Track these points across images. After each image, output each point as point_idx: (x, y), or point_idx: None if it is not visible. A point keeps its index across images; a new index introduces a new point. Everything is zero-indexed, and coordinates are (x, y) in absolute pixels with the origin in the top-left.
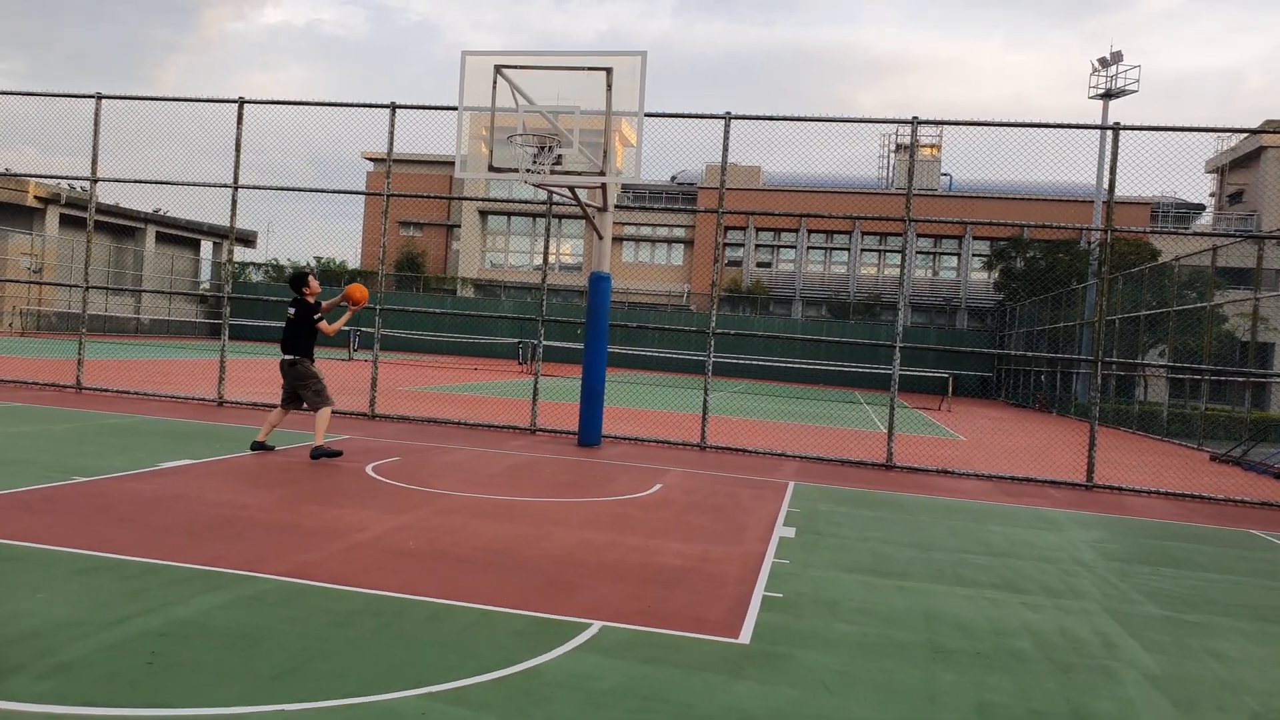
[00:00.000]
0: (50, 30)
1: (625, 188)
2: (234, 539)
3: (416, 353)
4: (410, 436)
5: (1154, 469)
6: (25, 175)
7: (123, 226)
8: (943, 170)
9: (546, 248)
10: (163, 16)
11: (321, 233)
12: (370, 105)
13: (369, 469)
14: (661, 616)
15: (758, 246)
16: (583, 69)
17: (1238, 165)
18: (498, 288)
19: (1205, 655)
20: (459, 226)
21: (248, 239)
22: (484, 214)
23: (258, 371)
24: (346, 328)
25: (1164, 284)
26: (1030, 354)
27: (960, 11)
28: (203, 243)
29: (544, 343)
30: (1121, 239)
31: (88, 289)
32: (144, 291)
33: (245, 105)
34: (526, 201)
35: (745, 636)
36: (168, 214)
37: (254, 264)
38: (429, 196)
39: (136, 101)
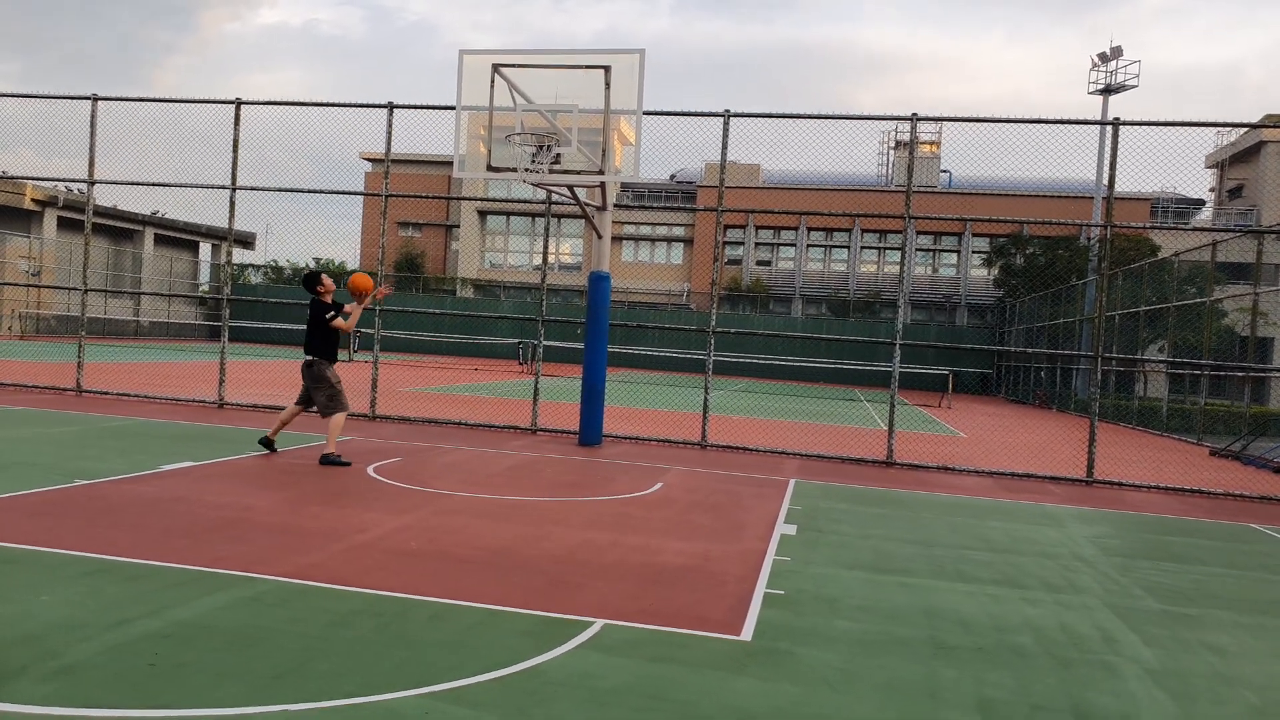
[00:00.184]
0: (47, 32)
1: (624, 187)
2: (235, 540)
3: (416, 353)
4: (411, 437)
5: (1154, 464)
6: (22, 178)
7: (121, 229)
8: (942, 167)
9: (546, 247)
10: (160, 18)
11: (320, 233)
12: (368, 105)
13: (370, 470)
14: (663, 615)
15: (757, 245)
16: (581, 67)
17: (1237, 160)
18: (497, 288)
19: (1204, 649)
20: (458, 226)
21: (246, 240)
22: (483, 214)
23: (258, 373)
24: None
25: (1164, 279)
26: (1030, 350)
27: (960, 8)
28: (201, 244)
29: (544, 342)
30: (1121, 234)
31: (86, 291)
32: (143, 294)
33: (242, 106)
34: (525, 201)
35: (747, 634)
36: (166, 216)
37: (253, 266)
38: (428, 196)
39: (133, 103)
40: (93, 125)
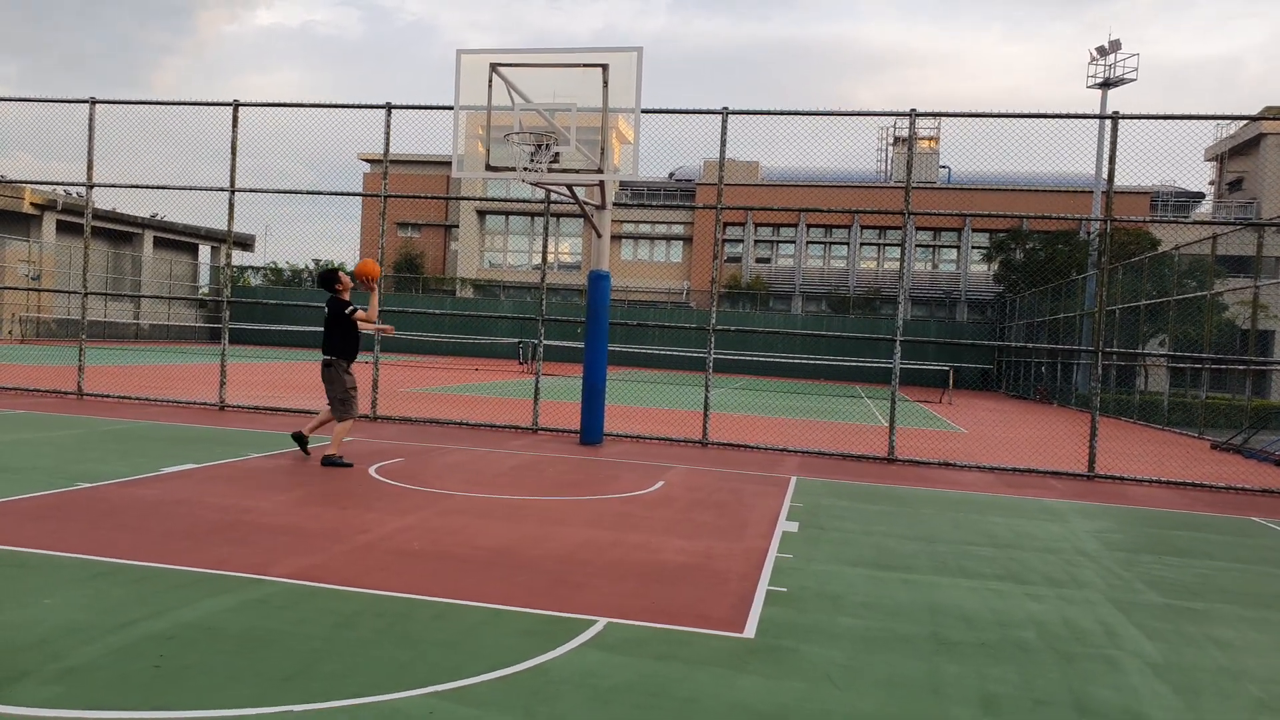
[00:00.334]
0: (44, 35)
1: (623, 185)
2: (239, 542)
3: (416, 354)
4: (412, 438)
5: (1155, 458)
6: (21, 182)
7: (120, 232)
8: (941, 163)
9: (545, 247)
10: (158, 20)
11: (319, 235)
12: (366, 106)
13: (372, 470)
14: (666, 613)
15: (757, 242)
16: (579, 66)
17: (1237, 153)
18: (497, 287)
19: (1207, 643)
20: (457, 227)
21: (246, 242)
22: (482, 214)
23: (259, 375)
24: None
25: (1164, 273)
26: (1030, 345)
27: (958, 5)
28: (201, 247)
29: (544, 342)
30: (1121, 229)
31: (86, 295)
32: (143, 297)
33: (240, 108)
34: (524, 200)
35: (750, 631)
36: (165, 219)
37: (253, 267)
38: (427, 197)
39: (132, 106)
40: (91, 129)
